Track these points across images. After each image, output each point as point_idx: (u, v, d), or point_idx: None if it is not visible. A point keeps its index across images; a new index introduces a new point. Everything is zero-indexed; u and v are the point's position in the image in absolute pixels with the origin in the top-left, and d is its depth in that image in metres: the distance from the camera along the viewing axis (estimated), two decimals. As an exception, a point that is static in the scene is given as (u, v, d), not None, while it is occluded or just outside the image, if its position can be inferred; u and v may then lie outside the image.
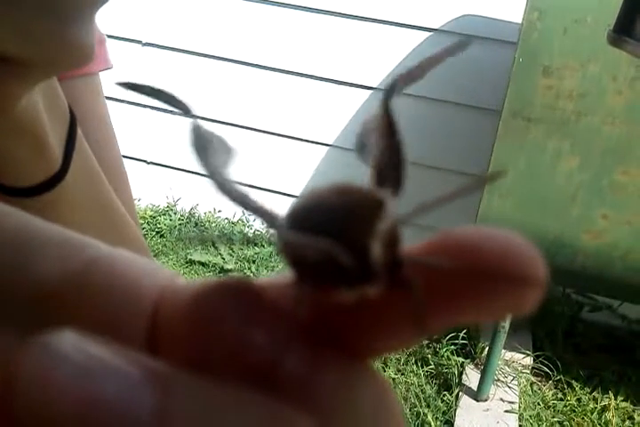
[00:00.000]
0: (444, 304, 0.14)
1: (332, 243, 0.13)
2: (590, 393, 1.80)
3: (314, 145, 2.24)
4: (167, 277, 0.16)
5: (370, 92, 2.09)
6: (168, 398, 0.11)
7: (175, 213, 2.48)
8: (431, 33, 1.95)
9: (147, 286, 0.16)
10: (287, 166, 2.30)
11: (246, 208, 0.16)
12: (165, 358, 0.14)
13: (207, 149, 0.16)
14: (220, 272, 2.23)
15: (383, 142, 0.16)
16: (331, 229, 0.13)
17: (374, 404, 0.15)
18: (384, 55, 2.03)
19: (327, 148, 2.23)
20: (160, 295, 0.15)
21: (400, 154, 0.16)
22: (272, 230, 0.15)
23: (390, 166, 0.16)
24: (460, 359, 1.86)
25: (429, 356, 1.86)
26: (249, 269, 2.24)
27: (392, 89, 0.17)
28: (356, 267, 0.13)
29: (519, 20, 1.42)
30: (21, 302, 0.15)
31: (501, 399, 1.75)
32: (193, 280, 0.16)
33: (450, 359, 1.85)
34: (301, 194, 0.15)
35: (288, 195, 2.35)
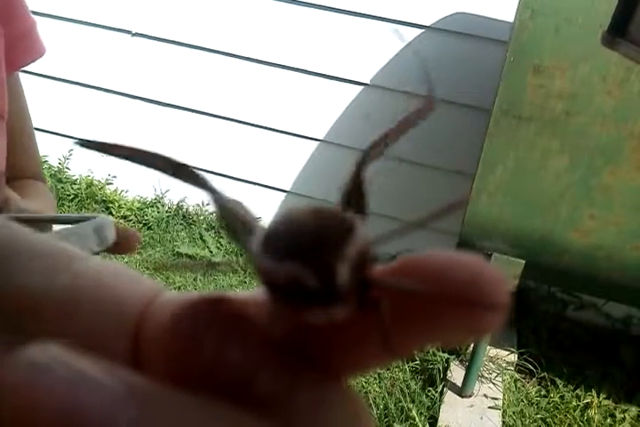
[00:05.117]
0: (411, 326, 0.15)
1: (301, 266, 0.14)
2: (573, 391, 1.82)
3: (304, 139, 2.23)
4: (153, 290, 0.16)
5: (361, 87, 2.09)
6: (146, 412, 0.11)
7: (163, 206, 2.47)
8: (423, 30, 1.95)
9: (132, 299, 0.16)
10: (276, 160, 2.29)
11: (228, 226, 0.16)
12: (147, 370, 0.15)
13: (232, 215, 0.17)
14: (207, 266, 2.23)
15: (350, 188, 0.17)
16: (301, 252, 0.14)
17: (348, 422, 0.15)
18: (376, 51, 2.02)
19: (317, 142, 2.22)
20: (145, 308, 0.16)
21: (364, 202, 0.17)
22: (248, 253, 0.15)
23: (356, 197, 0.17)
24: (445, 355, 1.87)
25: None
26: (236, 262, 2.23)
27: (367, 156, 0.18)
28: (323, 290, 0.14)
29: (511, 19, 1.42)
30: (6, 312, 0.15)
31: (485, 396, 1.76)
32: (177, 295, 0.16)
33: (435, 355, 1.86)
34: (277, 215, 0.16)
35: (277, 189, 2.34)
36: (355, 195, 0.17)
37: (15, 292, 0.15)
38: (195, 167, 0.18)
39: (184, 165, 0.18)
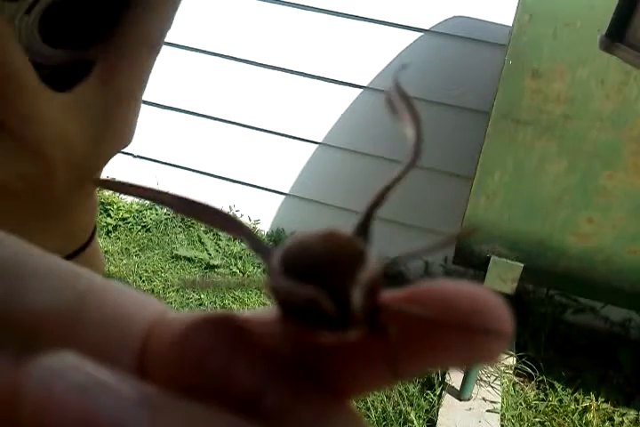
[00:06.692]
0: (417, 351, 0.15)
1: (317, 290, 0.14)
2: (572, 394, 1.81)
3: (303, 142, 2.23)
4: (158, 310, 0.17)
5: (360, 90, 2.09)
6: (159, 419, 0.12)
7: (161, 208, 2.47)
8: (422, 33, 1.95)
9: (137, 318, 0.16)
10: (275, 163, 2.29)
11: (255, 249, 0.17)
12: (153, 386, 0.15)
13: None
14: (205, 268, 2.23)
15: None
16: (316, 276, 0.14)
17: None
18: (375, 54, 2.02)
19: (316, 145, 2.22)
20: (150, 327, 0.16)
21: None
22: (265, 275, 0.16)
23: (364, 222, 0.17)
24: (444, 359, 1.86)
25: (413, 355, 1.87)
26: (235, 265, 2.23)
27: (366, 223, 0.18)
28: (337, 313, 0.14)
29: (510, 23, 1.42)
30: (16, 329, 0.15)
31: (484, 399, 1.76)
32: (183, 314, 0.16)
33: (433, 358, 1.85)
34: (291, 237, 0.16)
35: (276, 191, 2.34)
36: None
37: (23, 310, 0.15)
38: (209, 205, 0.18)
39: (198, 203, 0.19)
